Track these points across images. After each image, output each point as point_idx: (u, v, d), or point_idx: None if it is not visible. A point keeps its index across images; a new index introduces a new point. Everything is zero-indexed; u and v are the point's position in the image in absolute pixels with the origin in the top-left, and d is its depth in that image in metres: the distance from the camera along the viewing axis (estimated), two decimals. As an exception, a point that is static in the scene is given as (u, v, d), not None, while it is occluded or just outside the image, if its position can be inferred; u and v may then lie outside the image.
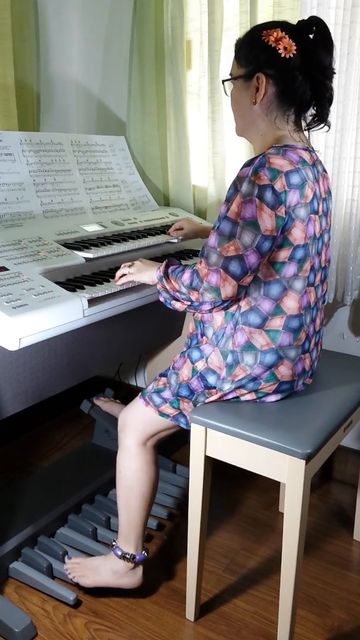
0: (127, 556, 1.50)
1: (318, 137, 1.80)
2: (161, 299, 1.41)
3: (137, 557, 1.51)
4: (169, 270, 1.37)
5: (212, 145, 2.08)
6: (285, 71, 1.29)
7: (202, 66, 2.08)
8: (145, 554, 1.53)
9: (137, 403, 1.51)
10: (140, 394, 1.53)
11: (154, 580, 1.66)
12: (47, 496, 1.83)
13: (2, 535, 1.64)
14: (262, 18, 1.90)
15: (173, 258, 1.59)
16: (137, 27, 2.15)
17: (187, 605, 1.54)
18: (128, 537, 1.51)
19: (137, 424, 1.49)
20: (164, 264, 1.40)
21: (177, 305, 1.37)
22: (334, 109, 1.77)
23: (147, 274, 1.44)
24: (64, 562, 1.63)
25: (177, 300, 1.36)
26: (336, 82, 1.76)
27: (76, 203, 1.91)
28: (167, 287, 1.36)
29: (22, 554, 1.64)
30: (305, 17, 1.71)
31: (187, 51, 2.14)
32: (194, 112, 2.21)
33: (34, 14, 2.14)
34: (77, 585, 1.57)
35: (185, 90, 2.12)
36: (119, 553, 1.51)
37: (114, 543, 1.54)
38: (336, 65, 1.73)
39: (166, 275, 1.37)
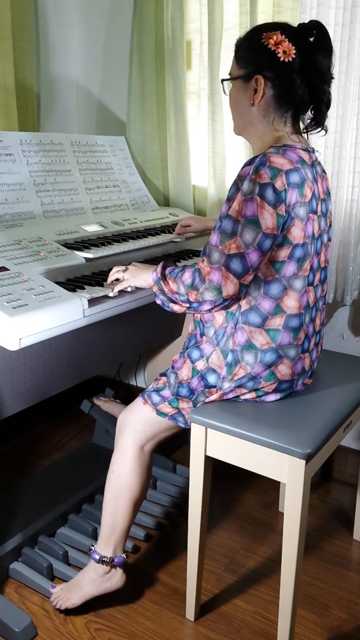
0: (106, 559, 1.45)
1: (318, 137, 1.80)
2: (158, 302, 1.39)
3: (116, 560, 1.46)
4: (167, 272, 1.36)
5: (212, 145, 2.08)
6: (284, 74, 1.30)
7: (202, 66, 2.08)
8: (125, 556, 1.48)
9: (137, 403, 1.50)
10: (140, 394, 1.52)
11: (154, 580, 1.66)
12: (47, 496, 1.83)
13: (2, 535, 1.64)
14: (262, 18, 1.90)
15: (168, 260, 1.58)
16: (137, 27, 2.15)
17: (187, 605, 1.54)
18: (108, 540, 1.46)
19: (136, 424, 1.47)
20: (159, 265, 1.38)
21: (175, 308, 1.36)
22: (333, 109, 1.78)
23: (142, 277, 1.42)
24: (64, 562, 1.63)
25: (175, 302, 1.35)
26: (336, 83, 1.76)
27: (76, 203, 1.91)
28: (165, 289, 1.34)
29: (22, 554, 1.64)
30: (305, 18, 1.73)
31: (187, 51, 2.14)
32: (194, 112, 2.21)
33: (34, 14, 2.15)
34: (66, 610, 1.50)
35: (185, 90, 2.12)
36: (97, 557, 1.46)
37: (92, 548, 1.49)
38: (336, 66, 1.74)
39: (163, 276, 1.35)
